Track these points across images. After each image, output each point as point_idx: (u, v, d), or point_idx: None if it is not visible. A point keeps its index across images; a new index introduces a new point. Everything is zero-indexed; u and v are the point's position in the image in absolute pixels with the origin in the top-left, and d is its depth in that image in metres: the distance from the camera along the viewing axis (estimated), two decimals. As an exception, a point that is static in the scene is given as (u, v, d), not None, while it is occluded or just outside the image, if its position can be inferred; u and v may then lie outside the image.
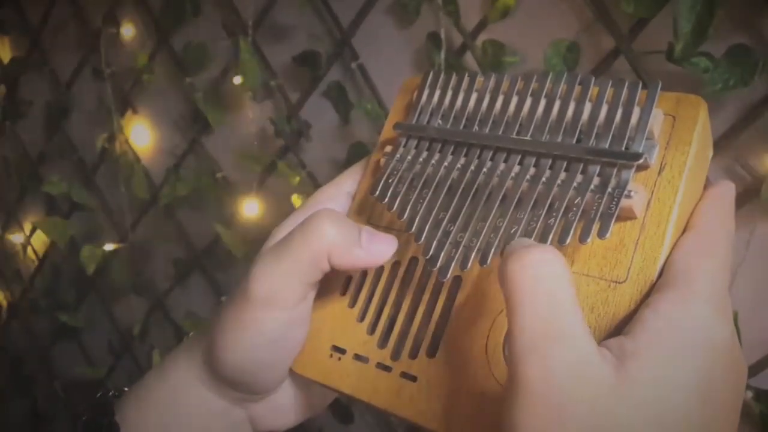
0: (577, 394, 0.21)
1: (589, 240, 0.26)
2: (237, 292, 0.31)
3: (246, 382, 0.33)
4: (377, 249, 0.30)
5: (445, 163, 0.32)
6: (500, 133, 0.31)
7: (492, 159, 0.31)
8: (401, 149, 0.34)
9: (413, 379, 0.30)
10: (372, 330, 0.32)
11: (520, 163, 0.30)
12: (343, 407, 0.97)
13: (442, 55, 0.76)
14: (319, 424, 1.03)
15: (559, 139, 0.29)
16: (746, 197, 0.62)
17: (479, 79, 0.33)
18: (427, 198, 0.31)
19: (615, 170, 0.27)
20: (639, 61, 0.65)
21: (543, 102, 0.30)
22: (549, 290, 0.23)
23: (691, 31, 0.59)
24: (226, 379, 0.33)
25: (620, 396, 0.22)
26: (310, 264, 0.30)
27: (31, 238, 1.42)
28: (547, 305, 0.23)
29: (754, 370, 0.64)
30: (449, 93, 0.34)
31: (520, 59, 0.74)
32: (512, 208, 0.29)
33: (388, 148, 0.35)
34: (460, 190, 0.31)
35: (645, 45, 0.65)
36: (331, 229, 0.30)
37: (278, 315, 0.30)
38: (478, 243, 0.29)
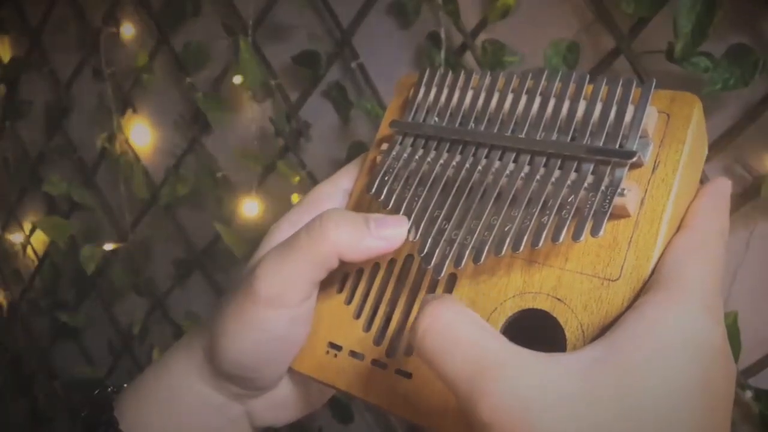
0: (537, 417, 0.20)
1: (582, 238, 0.26)
2: (239, 290, 0.31)
3: (247, 378, 0.33)
4: (390, 234, 0.30)
5: (441, 161, 0.32)
6: (495, 130, 0.31)
7: (487, 157, 0.31)
8: (397, 147, 0.34)
9: (408, 376, 0.30)
10: (368, 327, 0.32)
11: (514, 161, 0.30)
12: (343, 406, 0.97)
13: (442, 54, 0.76)
14: (319, 424, 1.03)
15: (554, 137, 0.29)
16: (746, 197, 0.61)
17: (475, 76, 0.33)
18: (423, 196, 0.31)
19: (609, 168, 0.27)
20: (639, 61, 0.65)
21: (538, 100, 0.30)
22: (454, 338, 0.23)
23: (691, 31, 0.59)
24: (226, 375, 0.33)
25: (590, 403, 0.21)
26: (316, 264, 0.30)
27: (30, 238, 1.42)
28: (461, 350, 0.22)
29: (754, 369, 0.64)
30: (445, 91, 0.34)
31: (520, 59, 0.74)
32: (506, 206, 0.29)
33: (384, 146, 0.35)
34: (455, 188, 0.31)
35: (645, 45, 0.65)
36: (335, 229, 0.29)
37: (283, 313, 0.31)
38: (473, 241, 0.29)
